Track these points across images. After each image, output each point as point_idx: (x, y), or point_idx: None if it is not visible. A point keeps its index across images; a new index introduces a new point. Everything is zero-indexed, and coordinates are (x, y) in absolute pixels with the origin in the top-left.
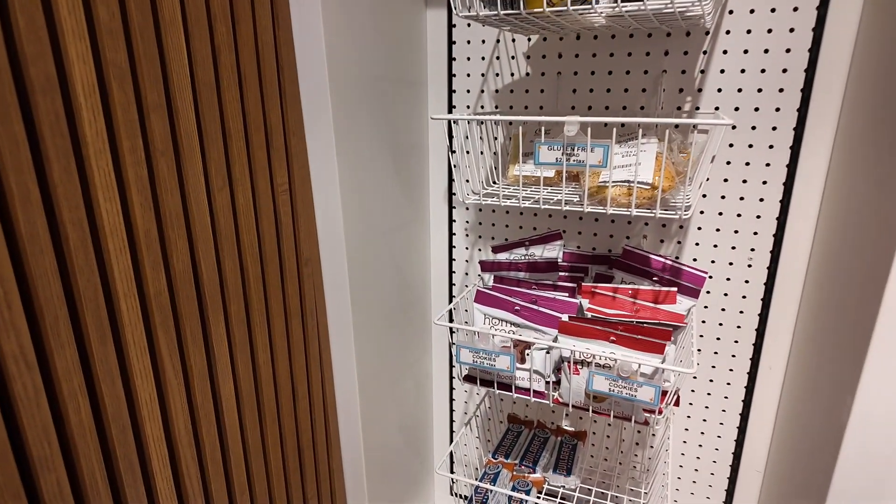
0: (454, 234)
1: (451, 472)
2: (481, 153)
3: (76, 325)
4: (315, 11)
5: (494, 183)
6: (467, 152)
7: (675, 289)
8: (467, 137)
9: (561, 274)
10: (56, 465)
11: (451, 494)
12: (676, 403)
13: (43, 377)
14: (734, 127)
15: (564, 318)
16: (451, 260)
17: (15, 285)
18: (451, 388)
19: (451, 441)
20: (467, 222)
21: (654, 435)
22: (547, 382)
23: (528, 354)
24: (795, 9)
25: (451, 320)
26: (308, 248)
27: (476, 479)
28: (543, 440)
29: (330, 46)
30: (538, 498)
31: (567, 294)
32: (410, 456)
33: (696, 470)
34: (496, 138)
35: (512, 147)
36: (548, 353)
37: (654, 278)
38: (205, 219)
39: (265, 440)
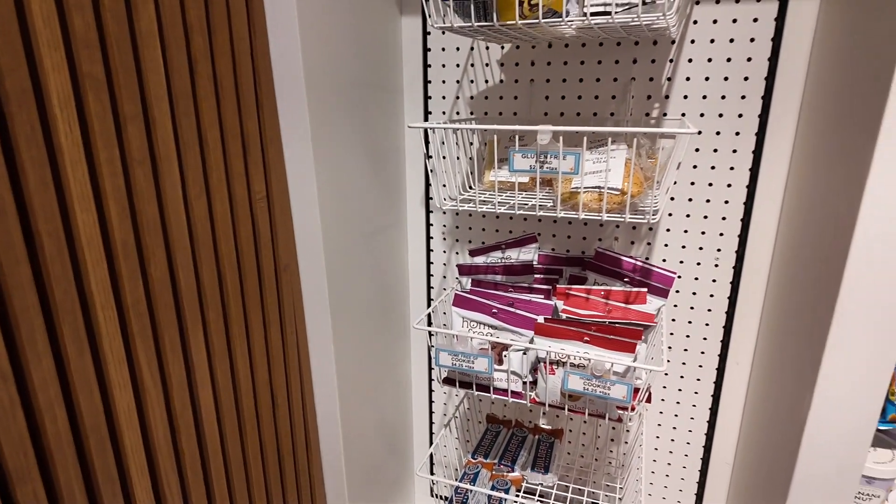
0: (432, 238)
1: (432, 473)
2: (457, 159)
3: (53, 335)
4: (291, 20)
5: (471, 188)
6: (443, 158)
7: (645, 289)
8: (443, 143)
9: (536, 276)
10: (33, 477)
11: (432, 496)
12: (648, 400)
13: (19, 388)
14: (699, 133)
15: (540, 319)
16: (428, 264)
17: None
18: (431, 391)
19: (431, 443)
20: (444, 226)
21: (627, 431)
22: (524, 383)
23: (505, 356)
24: (755, 20)
25: (429, 324)
26: (286, 255)
27: (456, 480)
28: (521, 439)
29: (306, 54)
30: (517, 496)
31: (542, 296)
32: (390, 459)
33: (668, 463)
34: (472, 144)
35: (487, 153)
36: (524, 354)
37: (626, 279)
38: (182, 228)
39: (245, 447)
